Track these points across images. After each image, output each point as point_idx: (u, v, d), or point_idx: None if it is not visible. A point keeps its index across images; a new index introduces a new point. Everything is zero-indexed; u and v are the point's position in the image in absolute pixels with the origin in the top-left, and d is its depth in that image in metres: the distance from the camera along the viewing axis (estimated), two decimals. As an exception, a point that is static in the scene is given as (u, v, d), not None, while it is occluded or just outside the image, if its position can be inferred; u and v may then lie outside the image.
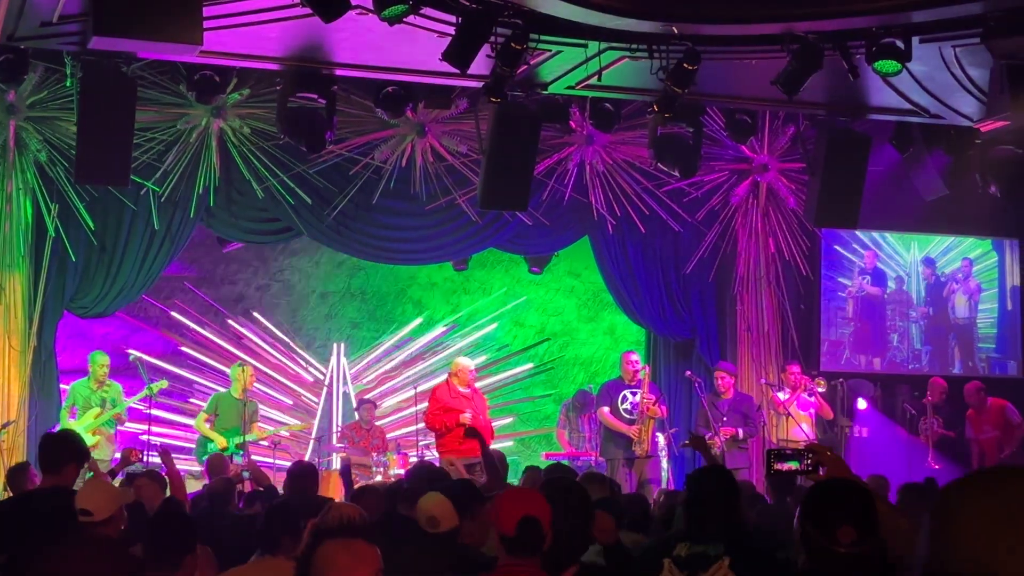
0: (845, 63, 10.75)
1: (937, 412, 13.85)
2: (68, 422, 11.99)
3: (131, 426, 12.98)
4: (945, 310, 15.46)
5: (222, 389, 12.99)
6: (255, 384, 13.01)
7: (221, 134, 12.70)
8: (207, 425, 12.50)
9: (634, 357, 13.17)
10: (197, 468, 12.23)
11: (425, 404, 13.22)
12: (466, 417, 12.10)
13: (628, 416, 12.81)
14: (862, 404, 14.47)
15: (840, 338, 15.10)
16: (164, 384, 12.67)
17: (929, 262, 15.42)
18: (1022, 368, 15.30)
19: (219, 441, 12.31)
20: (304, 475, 8.37)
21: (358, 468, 12.61)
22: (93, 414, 12.05)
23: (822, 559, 3.81)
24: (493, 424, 12.97)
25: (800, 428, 13.21)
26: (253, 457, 12.44)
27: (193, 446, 12.78)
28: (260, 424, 13.01)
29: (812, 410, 13.45)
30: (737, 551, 4.73)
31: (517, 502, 4.15)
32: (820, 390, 13.52)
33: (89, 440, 11.53)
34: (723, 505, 4.93)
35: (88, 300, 12.69)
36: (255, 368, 13.22)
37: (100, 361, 12.27)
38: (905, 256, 15.37)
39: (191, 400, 13.63)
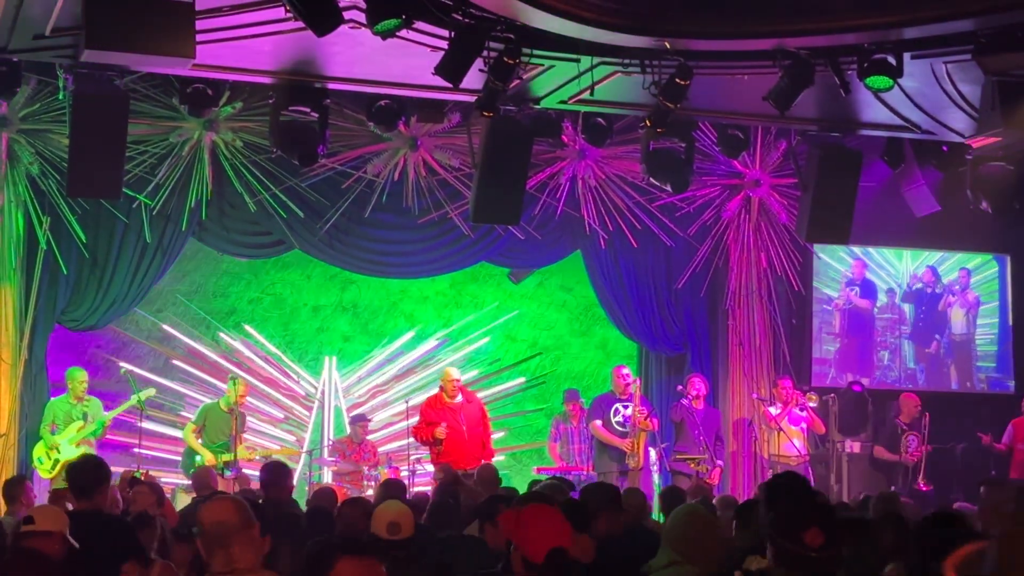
0: (837, 79, 10.77)
1: (913, 428, 13.75)
2: (48, 436, 11.98)
3: (122, 439, 12.94)
4: (941, 325, 15.32)
5: (211, 400, 13.00)
6: (247, 398, 12.99)
7: (213, 147, 12.70)
8: (195, 438, 12.51)
9: (625, 371, 13.23)
10: (186, 481, 12.19)
11: (416, 417, 13.28)
12: (440, 431, 12.16)
13: (620, 429, 12.88)
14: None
15: (825, 355, 14.96)
16: (152, 392, 12.59)
17: (926, 271, 15.27)
18: (1017, 385, 15.20)
19: (207, 457, 12.30)
20: (278, 474, 8.30)
21: (348, 481, 12.60)
22: (76, 427, 12.05)
23: (795, 566, 3.84)
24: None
25: (792, 443, 13.21)
26: (245, 471, 12.44)
27: (181, 465, 12.75)
28: (246, 437, 12.97)
29: (804, 425, 13.46)
30: None
31: (547, 530, 4.16)
32: (812, 405, 13.52)
33: (74, 452, 11.56)
34: None
35: (79, 313, 12.67)
36: (248, 383, 13.23)
37: (79, 377, 12.27)
38: (897, 266, 15.27)
39: (182, 413, 13.58)
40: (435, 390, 13.00)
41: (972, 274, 15.34)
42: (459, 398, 12.65)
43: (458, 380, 12.82)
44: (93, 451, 12.16)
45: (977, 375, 15.35)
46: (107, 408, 12.41)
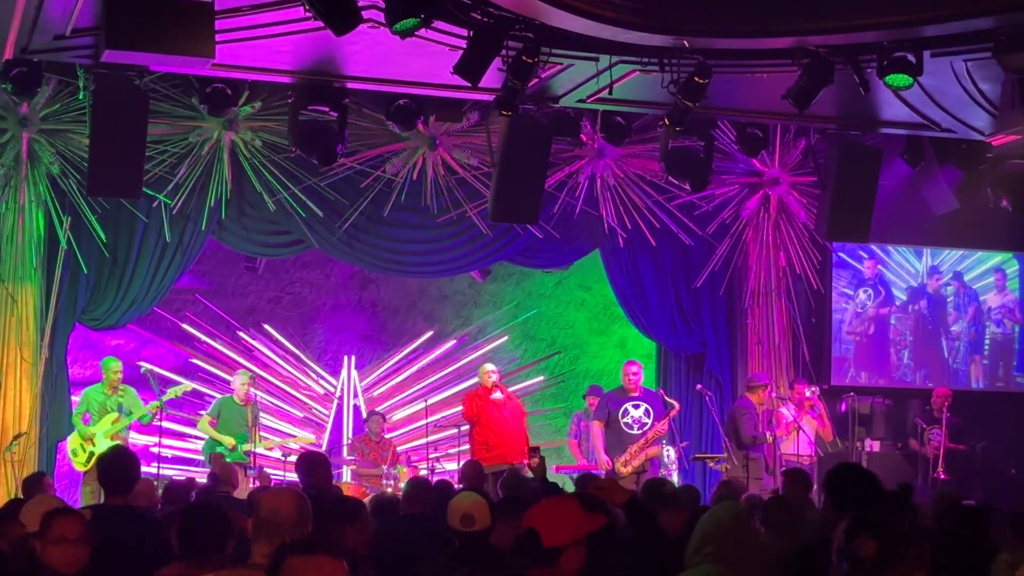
0: (856, 77, 10.75)
1: (937, 422, 13.74)
2: (82, 427, 12.03)
3: (142, 438, 12.97)
4: (961, 324, 15.25)
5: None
6: (255, 391, 12.93)
7: (233, 147, 12.73)
8: (210, 427, 12.54)
9: (634, 368, 13.05)
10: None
11: (435, 416, 13.34)
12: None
13: (628, 431, 12.74)
14: None
15: (844, 354, 14.93)
16: (188, 387, 12.64)
17: (935, 271, 15.20)
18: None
19: (226, 441, 12.34)
20: (317, 465, 8.00)
21: (368, 480, 12.61)
22: (111, 419, 12.09)
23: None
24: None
25: (806, 442, 13.19)
26: (266, 470, 12.47)
27: (203, 458, 12.79)
28: (262, 434, 12.98)
29: (814, 426, 13.42)
30: None
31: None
32: (819, 412, 13.48)
33: (108, 444, 11.58)
34: None
35: (100, 312, 12.71)
36: (261, 378, 13.31)
37: (113, 367, 12.32)
38: (916, 264, 15.21)
39: (202, 412, 13.61)
40: (450, 391, 13.04)
41: (1006, 274, 15.26)
42: (498, 394, 12.63)
43: (494, 373, 12.81)
44: (124, 444, 12.23)
45: (998, 373, 15.29)
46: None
